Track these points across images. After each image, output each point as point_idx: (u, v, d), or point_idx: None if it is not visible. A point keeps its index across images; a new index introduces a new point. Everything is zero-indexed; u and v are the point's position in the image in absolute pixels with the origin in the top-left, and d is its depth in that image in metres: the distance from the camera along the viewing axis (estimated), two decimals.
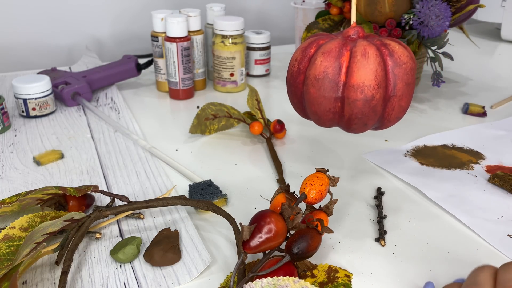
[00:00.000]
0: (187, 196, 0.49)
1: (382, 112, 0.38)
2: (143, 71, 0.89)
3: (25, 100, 0.66)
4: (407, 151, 0.59)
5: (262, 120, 0.62)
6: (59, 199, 0.44)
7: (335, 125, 0.41)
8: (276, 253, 0.42)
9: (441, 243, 0.43)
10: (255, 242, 0.35)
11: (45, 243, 0.35)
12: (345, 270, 0.38)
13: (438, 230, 0.44)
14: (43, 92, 0.67)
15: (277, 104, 0.75)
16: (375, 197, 0.49)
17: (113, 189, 0.50)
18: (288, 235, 0.38)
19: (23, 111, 0.67)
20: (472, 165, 0.56)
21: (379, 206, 0.47)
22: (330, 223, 0.45)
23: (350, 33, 0.39)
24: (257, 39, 0.85)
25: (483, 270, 0.30)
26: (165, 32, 0.75)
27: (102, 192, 0.44)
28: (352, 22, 0.40)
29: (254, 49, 0.85)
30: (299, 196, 0.39)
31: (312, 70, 0.38)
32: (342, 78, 0.37)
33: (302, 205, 0.48)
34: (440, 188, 0.51)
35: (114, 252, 0.40)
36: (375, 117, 0.38)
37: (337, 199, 0.41)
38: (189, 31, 0.75)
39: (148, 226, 0.44)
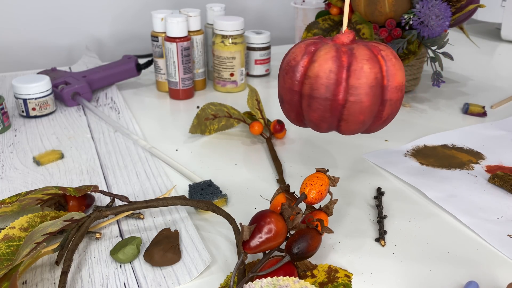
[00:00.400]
0: (187, 196, 0.49)
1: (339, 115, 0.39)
2: (143, 71, 0.89)
3: (25, 100, 0.66)
4: (407, 151, 0.59)
5: (262, 120, 0.62)
6: (59, 199, 0.44)
7: (303, 126, 0.43)
8: (276, 253, 0.42)
9: (441, 243, 0.43)
10: (255, 242, 0.35)
11: (45, 243, 0.35)
12: (345, 270, 0.38)
13: (438, 230, 0.44)
14: (43, 92, 0.67)
15: (277, 104, 0.75)
16: (375, 197, 0.49)
17: (113, 189, 0.50)
18: (288, 235, 0.38)
19: (23, 111, 0.67)
20: (472, 165, 0.56)
21: (379, 206, 0.47)
22: (330, 223, 0.45)
23: (339, 36, 0.40)
24: (257, 39, 0.85)
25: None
26: (165, 32, 0.75)
27: (102, 192, 0.44)
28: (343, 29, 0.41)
29: (254, 49, 0.85)
30: (299, 196, 0.39)
31: (315, 73, 0.40)
32: (344, 75, 0.38)
33: (302, 205, 0.48)
34: (440, 188, 0.51)
35: (114, 252, 0.40)
36: (331, 117, 0.39)
37: (337, 199, 0.41)
38: (189, 31, 0.75)
39: (148, 226, 0.44)
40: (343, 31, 0.40)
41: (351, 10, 0.72)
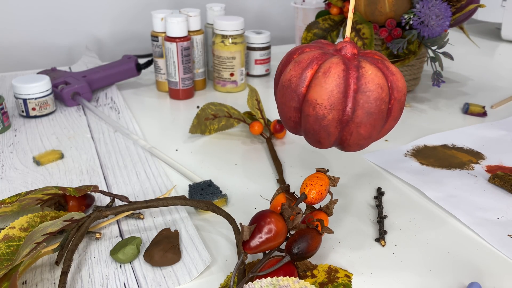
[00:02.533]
0: (187, 196, 0.49)
1: (339, 135, 0.37)
2: (143, 71, 0.89)
3: (25, 100, 0.66)
4: (407, 151, 0.59)
5: (262, 120, 0.62)
6: (59, 199, 0.44)
7: (300, 134, 0.40)
8: (276, 253, 0.42)
9: (441, 243, 0.43)
10: (255, 242, 0.35)
11: (45, 243, 0.35)
12: (345, 270, 0.38)
13: (438, 230, 0.44)
14: (43, 92, 0.67)
15: None
16: (375, 197, 0.49)
17: (113, 189, 0.50)
18: (288, 235, 0.38)
19: (23, 111, 0.67)
20: (472, 165, 0.56)
21: (379, 206, 0.47)
22: (330, 223, 0.45)
23: (338, 47, 0.37)
24: (257, 39, 0.85)
25: None
26: (165, 32, 0.75)
27: (102, 192, 0.44)
28: (346, 36, 0.38)
29: (254, 49, 0.85)
30: (299, 196, 0.39)
31: (283, 76, 0.37)
32: (303, 90, 0.36)
33: (302, 205, 0.48)
34: (440, 188, 0.51)
35: (114, 252, 0.40)
36: (328, 137, 0.37)
37: (337, 199, 0.41)
38: (189, 31, 0.75)
39: (148, 226, 0.44)
40: (347, 37, 0.38)
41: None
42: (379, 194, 0.50)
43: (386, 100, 0.35)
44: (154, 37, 0.76)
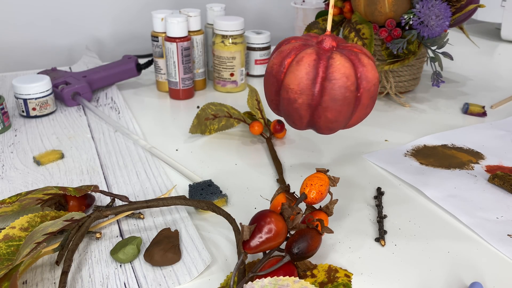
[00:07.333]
0: (187, 196, 0.49)
1: (310, 118, 0.41)
2: (143, 71, 0.89)
3: (25, 100, 0.66)
4: (407, 151, 0.59)
5: (262, 120, 0.62)
6: (59, 199, 0.44)
7: (281, 115, 0.44)
8: (276, 253, 0.42)
9: (441, 243, 0.43)
10: (255, 242, 0.35)
11: (45, 243, 0.35)
12: (345, 270, 0.38)
13: (438, 230, 0.45)
14: (43, 92, 0.67)
15: None
16: (375, 197, 0.49)
17: (113, 189, 0.51)
18: (288, 235, 0.38)
19: (23, 111, 0.67)
20: (472, 165, 0.56)
21: (379, 206, 0.47)
22: (330, 223, 0.45)
23: (319, 39, 0.41)
24: (257, 39, 0.85)
25: None
26: (165, 32, 0.76)
27: (102, 192, 0.44)
28: (327, 30, 0.42)
29: (254, 49, 0.85)
30: (299, 196, 0.39)
31: (268, 63, 0.43)
32: (281, 76, 0.40)
33: (302, 205, 0.48)
34: (440, 188, 0.51)
35: (114, 252, 0.40)
36: (300, 119, 0.41)
37: (337, 199, 0.41)
38: (189, 31, 0.75)
39: (148, 226, 0.44)
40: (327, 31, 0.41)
41: (351, 10, 0.72)
42: (379, 194, 0.50)
43: (351, 89, 0.39)
44: (154, 37, 0.76)
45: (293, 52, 0.40)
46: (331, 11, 0.41)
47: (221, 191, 0.48)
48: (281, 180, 0.52)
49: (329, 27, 0.41)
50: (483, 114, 0.70)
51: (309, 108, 0.40)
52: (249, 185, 0.52)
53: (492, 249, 0.42)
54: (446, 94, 0.80)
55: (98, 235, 0.42)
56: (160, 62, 0.77)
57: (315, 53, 0.39)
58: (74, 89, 0.72)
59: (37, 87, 0.66)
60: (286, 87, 0.40)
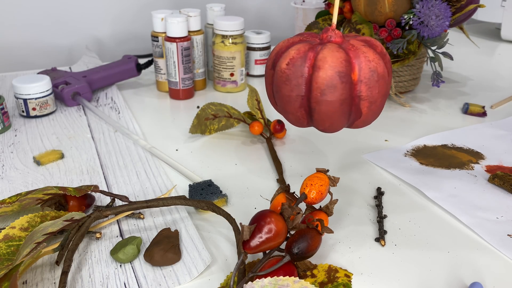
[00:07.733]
0: (187, 196, 0.49)
1: (306, 112, 0.40)
2: (143, 71, 0.89)
3: (25, 100, 0.66)
4: (407, 151, 0.59)
5: (262, 120, 0.62)
6: (59, 199, 0.44)
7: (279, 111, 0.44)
8: (276, 253, 0.42)
9: (441, 243, 0.43)
10: (255, 242, 0.35)
11: (45, 243, 0.35)
12: (345, 270, 0.38)
13: (438, 230, 0.45)
14: (43, 92, 0.67)
15: None
16: (375, 197, 0.49)
17: (113, 189, 0.51)
18: (288, 235, 0.38)
19: (23, 111, 0.67)
20: (472, 165, 0.56)
21: (379, 206, 0.47)
22: (330, 223, 0.45)
23: (323, 35, 0.41)
24: (257, 39, 0.85)
25: None
26: (165, 32, 0.75)
27: (102, 192, 0.44)
28: (332, 24, 0.41)
29: (254, 49, 0.85)
30: (299, 196, 0.39)
31: (267, 59, 0.43)
32: (270, 66, 0.41)
33: (302, 205, 0.48)
34: (440, 188, 0.51)
35: (114, 252, 0.40)
36: (295, 111, 0.40)
37: (337, 199, 0.41)
38: (189, 31, 0.75)
39: (148, 226, 0.44)
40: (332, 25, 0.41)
41: (351, 10, 0.72)
42: (379, 194, 0.50)
43: (343, 80, 0.38)
44: (154, 37, 0.76)
45: (288, 47, 0.41)
46: (337, 2, 0.40)
47: (221, 191, 0.48)
48: (281, 180, 0.52)
49: (334, 19, 0.41)
50: (483, 114, 0.70)
51: (302, 99, 0.39)
52: (249, 185, 0.52)
53: (492, 249, 0.42)
54: (446, 94, 0.80)
55: (98, 235, 0.42)
56: (160, 62, 0.77)
57: (308, 45, 0.39)
58: (74, 89, 0.72)
59: (37, 87, 0.66)
60: (277, 74, 0.40)
